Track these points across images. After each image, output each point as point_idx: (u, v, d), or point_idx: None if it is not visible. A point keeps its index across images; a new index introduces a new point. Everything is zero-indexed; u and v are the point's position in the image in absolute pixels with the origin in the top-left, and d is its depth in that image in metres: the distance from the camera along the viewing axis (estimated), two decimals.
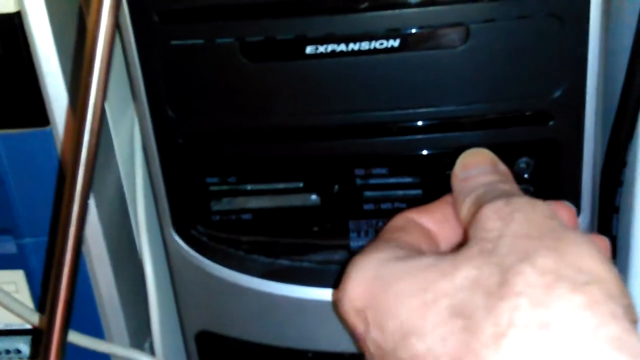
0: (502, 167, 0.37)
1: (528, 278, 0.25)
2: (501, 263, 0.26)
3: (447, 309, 0.26)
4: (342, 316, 0.31)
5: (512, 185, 0.34)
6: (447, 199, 0.37)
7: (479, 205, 0.31)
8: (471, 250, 0.28)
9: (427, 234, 0.35)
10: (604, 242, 0.34)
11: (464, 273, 0.27)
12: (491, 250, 0.27)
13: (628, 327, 0.24)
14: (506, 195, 0.31)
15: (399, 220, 0.36)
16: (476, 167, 0.36)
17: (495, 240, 0.27)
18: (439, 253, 0.33)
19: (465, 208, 0.33)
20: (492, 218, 0.29)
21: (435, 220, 0.36)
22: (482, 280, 0.26)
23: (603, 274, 0.25)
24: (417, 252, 0.32)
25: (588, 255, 0.26)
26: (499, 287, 0.25)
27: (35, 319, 0.54)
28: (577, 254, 0.26)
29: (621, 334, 0.23)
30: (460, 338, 0.25)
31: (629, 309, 0.25)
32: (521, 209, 0.29)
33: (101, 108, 0.42)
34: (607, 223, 0.51)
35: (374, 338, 0.29)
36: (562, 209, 0.34)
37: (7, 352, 0.60)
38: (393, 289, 0.28)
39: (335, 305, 0.32)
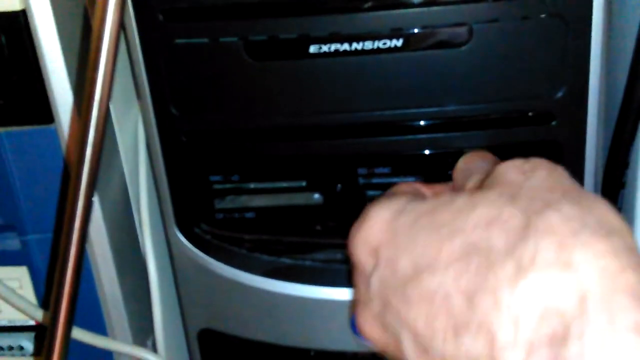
0: None
1: (553, 222, 0.25)
2: (524, 208, 0.26)
3: (461, 246, 0.26)
4: (352, 253, 0.31)
5: None
6: (450, 185, 0.37)
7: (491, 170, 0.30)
8: (490, 192, 0.27)
9: None
10: None
11: (482, 210, 0.26)
12: (513, 196, 0.27)
13: None
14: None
15: (404, 186, 0.35)
16: (478, 161, 0.36)
17: (516, 188, 0.27)
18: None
19: (471, 185, 0.33)
20: (512, 171, 0.29)
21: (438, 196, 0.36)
22: (501, 220, 0.26)
23: (624, 229, 0.26)
24: None
25: (609, 211, 0.26)
26: (522, 229, 0.25)
27: (39, 315, 0.54)
28: (599, 208, 0.26)
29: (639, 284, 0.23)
30: (476, 274, 0.25)
31: None
32: (543, 167, 0.29)
33: (106, 106, 0.43)
34: None
35: (382, 276, 0.28)
36: None
37: (10, 348, 0.61)
38: (410, 227, 0.28)
39: (349, 241, 0.31)
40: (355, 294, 0.31)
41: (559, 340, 0.23)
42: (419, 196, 0.33)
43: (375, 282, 0.29)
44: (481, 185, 0.30)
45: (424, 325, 0.26)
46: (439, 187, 0.36)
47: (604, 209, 0.26)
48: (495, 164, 0.36)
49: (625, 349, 0.22)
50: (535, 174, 0.28)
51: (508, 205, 0.26)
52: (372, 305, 0.29)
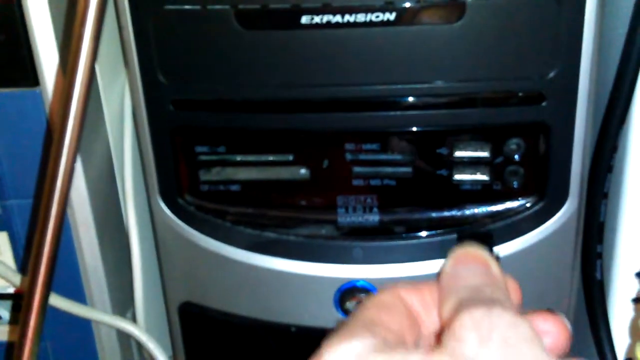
0: (495, 269, 0.36)
1: None
2: None
3: None
4: None
5: (500, 293, 0.33)
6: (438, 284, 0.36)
7: (459, 310, 0.30)
8: None
9: (412, 317, 0.34)
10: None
11: None
12: None
13: None
14: (489, 303, 0.30)
15: (386, 296, 0.34)
16: (466, 266, 0.35)
17: None
18: (413, 345, 0.32)
19: (447, 308, 0.32)
20: (469, 330, 0.28)
21: (423, 303, 0.35)
22: None
23: None
24: (397, 340, 0.31)
25: None
26: None
27: (17, 279, 0.54)
28: None
29: None
30: None
31: None
32: (501, 328, 0.28)
33: (90, 70, 0.42)
34: (595, 208, 0.51)
35: None
36: (549, 325, 0.32)
37: None
38: None
39: None
40: None
41: None
42: (385, 323, 0.32)
43: None
44: (442, 336, 0.30)
45: None
46: (426, 289, 0.35)
47: None
48: (486, 268, 0.34)
49: None
50: (491, 340, 0.27)
51: None
52: None
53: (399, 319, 0.32)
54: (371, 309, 0.32)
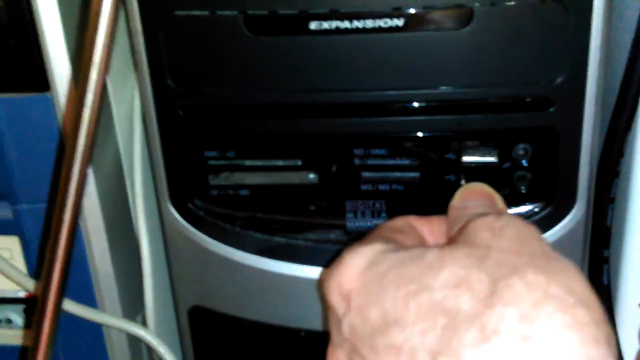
0: (501, 204, 0.37)
1: (518, 292, 0.25)
2: (491, 273, 0.26)
3: (429, 303, 0.26)
4: (325, 295, 0.32)
5: None
6: (445, 218, 0.37)
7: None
8: (459, 249, 0.28)
9: (423, 242, 0.35)
10: None
11: (451, 271, 0.27)
12: (481, 258, 0.27)
13: (608, 354, 0.25)
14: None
15: (399, 221, 0.36)
16: (474, 200, 0.36)
17: (484, 249, 0.28)
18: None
19: (457, 228, 0.33)
20: (482, 228, 0.29)
21: (432, 232, 0.36)
22: (469, 283, 0.26)
23: (591, 299, 0.26)
24: None
25: (577, 279, 0.27)
26: (488, 296, 0.26)
27: (30, 284, 0.54)
28: (566, 275, 0.26)
29: (600, 358, 0.24)
30: (441, 335, 0.25)
31: (610, 338, 0.26)
32: (511, 226, 0.29)
33: (103, 75, 0.42)
34: (602, 213, 0.51)
35: (352, 322, 0.29)
36: None
37: None
38: (381, 278, 0.29)
39: (321, 282, 0.32)
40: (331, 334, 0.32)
41: None
42: (399, 241, 0.33)
43: (346, 326, 0.29)
44: (456, 237, 0.30)
45: None
46: (435, 221, 0.36)
47: (571, 276, 0.27)
48: (492, 201, 0.36)
49: None
50: (504, 234, 0.29)
51: (476, 268, 0.27)
52: (343, 348, 0.30)
53: (411, 241, 0.34)
54: (386, 230, 0.34)
